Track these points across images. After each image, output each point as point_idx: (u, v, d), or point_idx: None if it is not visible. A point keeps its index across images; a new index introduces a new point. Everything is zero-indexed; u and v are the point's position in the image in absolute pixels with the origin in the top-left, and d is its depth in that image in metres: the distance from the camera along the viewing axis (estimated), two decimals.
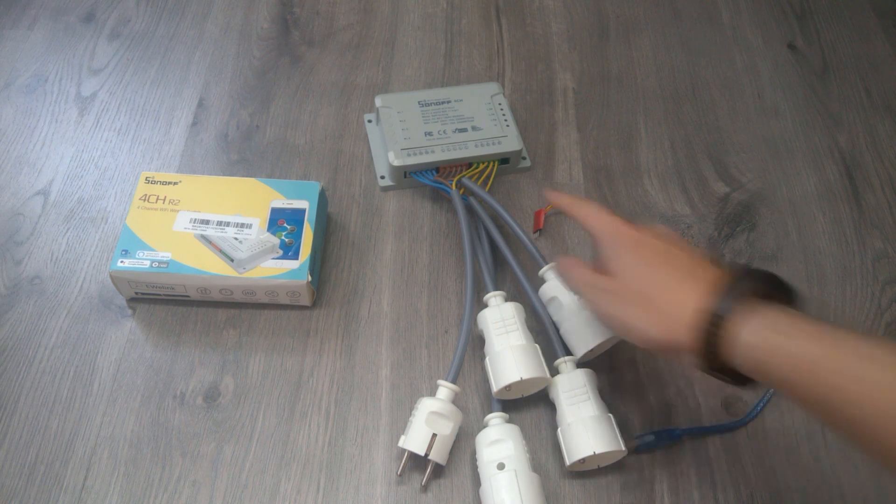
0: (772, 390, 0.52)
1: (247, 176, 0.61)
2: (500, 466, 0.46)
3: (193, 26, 0.72)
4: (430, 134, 0.60)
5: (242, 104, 0.67)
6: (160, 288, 0.53)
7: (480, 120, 0.61)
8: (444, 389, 0.48)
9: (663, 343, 0.41)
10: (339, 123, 0.66)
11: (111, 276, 0.52)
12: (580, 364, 0.50)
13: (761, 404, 0.51)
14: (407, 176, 0.60)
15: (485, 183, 0.59)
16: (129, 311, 0.54)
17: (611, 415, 0.48)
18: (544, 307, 0.53)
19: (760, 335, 0.37)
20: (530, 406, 0.51)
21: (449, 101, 0.63)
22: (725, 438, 0.50)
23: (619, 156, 0.64)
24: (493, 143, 0.60)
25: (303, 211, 0.55)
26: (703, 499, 0.48)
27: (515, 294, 0.56)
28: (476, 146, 0.60)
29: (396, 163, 0.59)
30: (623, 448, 0.47)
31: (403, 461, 0.48)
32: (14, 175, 0.61)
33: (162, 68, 0.69)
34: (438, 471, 0.48)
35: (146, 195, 0.55)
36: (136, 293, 0.54)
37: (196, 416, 0.50)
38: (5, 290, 0.55)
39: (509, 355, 0.48)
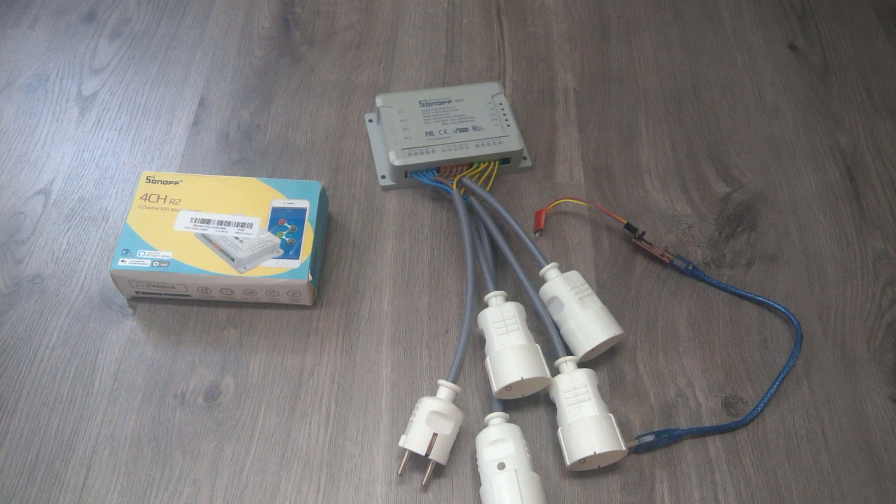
0: (772, 390, 0.52)
1: (248, 175, 0.61)
2: (501, 466, 0.46)
3: (194, 26, 0.72)
4: (430, 133, 0.60)
5: (243, 104, 0.67)
6: (161, 287, 0.53)
7: (481, 120, 0.61)
8: (445, 389, 0.48)
9: None
10: (340, 123, 0.66)
11: (112, 276, 0.52)
12: (581, 364, 0.50)
13: (761, 404, 0.51)
14: (408, 175, 0.60)
15: (486, 183, 0.59)
16: (130, 311, 0.54)
17: (611, 415, 0.48)
18: (545, 307, 0.53)
19: None
20: (531, 406, 0.51)
21: (450, 101, 0.63)
22: (725, 438, 0.50)
23: (619, 156, 0.64)
24: (494, 143, 0.60)
25: (303, 210, 0.55)
26: (703, 499, 0.48)
27: (516, 294, 0.56)
28: (477, 146, 0.60)
29: (397, 162, 0.59)
30: (623, 448, 0.47)
31: (404, 461, 0.48)
32: (15, 174, 0.61)
33: (163, 68, 0.69)
34: (439, 470, 0.48)
35: (147, 194, 0.55)
36: (137, 292, 0.54)
37: (196, 415, 0.50)
38: (6, 290, 0.55)
39: (510, 355, 0.48)
